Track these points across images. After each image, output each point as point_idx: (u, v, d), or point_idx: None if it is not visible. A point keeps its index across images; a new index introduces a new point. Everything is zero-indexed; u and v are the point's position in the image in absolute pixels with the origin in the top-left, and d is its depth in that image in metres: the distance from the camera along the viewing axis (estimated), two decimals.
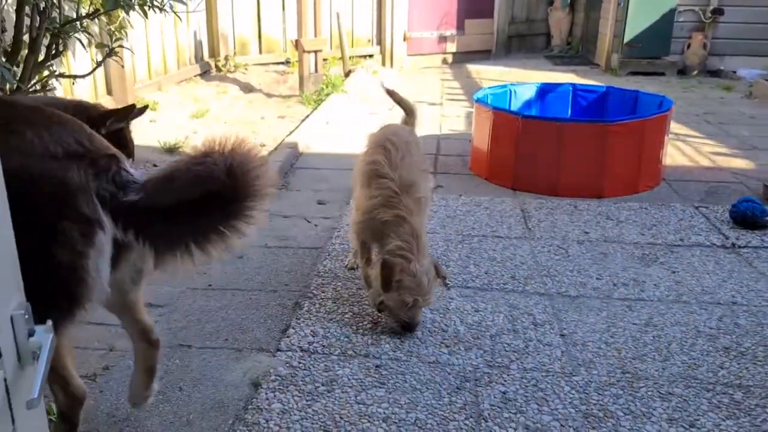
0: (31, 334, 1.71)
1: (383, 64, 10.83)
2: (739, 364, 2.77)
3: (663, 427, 2.36)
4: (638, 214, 4.51)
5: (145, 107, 2.73)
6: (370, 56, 10.75)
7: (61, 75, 3.76)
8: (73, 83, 4.74)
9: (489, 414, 2.42)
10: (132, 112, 2.61)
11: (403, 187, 3.03)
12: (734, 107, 8.18)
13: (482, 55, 12.07)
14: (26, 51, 3.38)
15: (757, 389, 2.59)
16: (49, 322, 1.85)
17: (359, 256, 3.27)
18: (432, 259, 3.03)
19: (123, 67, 5.45)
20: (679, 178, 5.33)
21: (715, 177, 5.38)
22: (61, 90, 4.78)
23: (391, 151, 3.15)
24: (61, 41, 3.52)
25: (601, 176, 4.82)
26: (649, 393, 2.56)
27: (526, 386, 2.59)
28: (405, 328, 2.95)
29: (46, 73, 3.70)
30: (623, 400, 2.51)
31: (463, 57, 11.75)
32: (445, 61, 11.70)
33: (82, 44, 3.66)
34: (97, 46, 3.83)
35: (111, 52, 3.68)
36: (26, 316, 1.54)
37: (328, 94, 7.94)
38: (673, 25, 10.30)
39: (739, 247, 3.98)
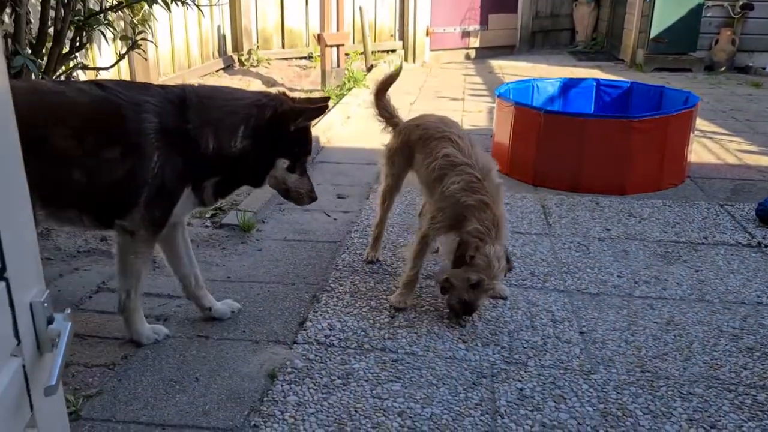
0: (50, 321, 1.72)
1: (405, 59, 10.80)
2: (762, 365, 2.71)
3: (683, 427, 2.32)
4: (661, 211, 4.44)
5: (327, 98, 2.74)
6: (393, 51, 10.73)
7: (85, 67, 3.80)
8: (97, 75, 4.79)
9: (505, 411, 2.40)
10: (324, 111, 2.66)
11: (483, 173, 3.01)
12: (762, 104, 8.03)
13: (505, 50, 11.98)
14: (51, 43, 3.43)
15: None
16: (68, 310, 1.87)
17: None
18: (505, 247, 3.00)
19: (146, 59, 5.49)
20: (705, 175, 5.24)
21: (741, 175, 5.28)
22: None
23: (458, 141, 3.13)
24: (85, 34, 3.56)
25: (624, 173, 4.76)
26: (670, 392, 2.52)
27: (544, 383, 2.57)
28: (465, 308, 2.93)
29: (70, 65, 3.74)
30: (643, 399, 2.48)
31: (486, 52, 11.68)
32: (467, 57, 11.64)
33: (105, 37, 3.70)
34: (121, 39, 3.87)
35: (134, 45, 3.71)
36: (45, 304, 1.56)
37: (350, 89, 7.94)
38: (700, 21, 10.13)
39: (765, 246, 3.90)
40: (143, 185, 2.43)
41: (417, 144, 3.29)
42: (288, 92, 2.71)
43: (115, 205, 2.49)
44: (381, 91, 3.55)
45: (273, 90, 2.80)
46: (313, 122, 2.76)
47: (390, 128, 3.55)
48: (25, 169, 2.27)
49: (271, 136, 2.54)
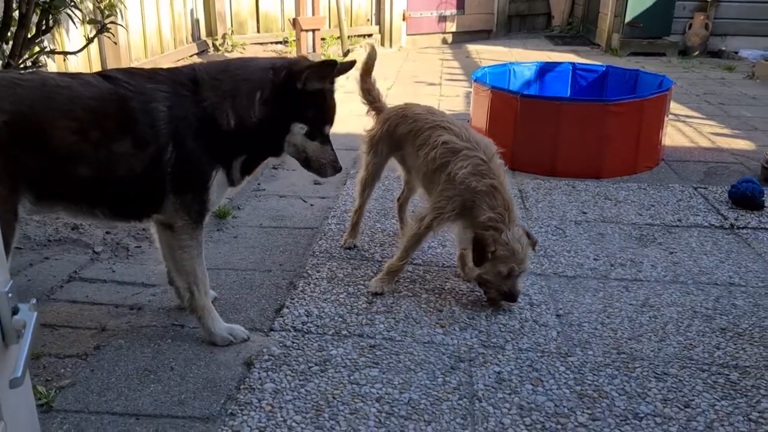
0: (15, 312, 1.68)
1: (382, 43, 10.73)
2: (735, 344, 2.75)
3: (658, 407, 2.35)
4: (637, 194, 4.48)
5: (354, 61, 2.57)
6: (369, 35, 10.65)
7: (53, 51, 3.70)
8: (65, 60, 4.68)
9: (483, 394, 2.40)
10: (333, 70, 2.49)
11: (488, 155, 3.00)
12: (735, 88, 8.12)
13: (482, 35, 11.96)
14: (15, 27, 3.33)
15: (753, 369, 2.57)
16: (33, 300, 1.82)
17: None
18: (522, 226, 3.01)
19: (116, 44, 5.38)
20: (679, 158, 5.29)
21: (714, 158, 5.34)
22: (54, 67, 4.72)
23: (451, 128, 3.11)
24: (51, 17, 3.46)
25: (600, 156, 4.78)
26: (645, 373, 2.54)
27: (521, 366, 2.58)
28: (506, 298, 2.94)
29: (36, 49, 3.65)
30: (618, 380, 2.50)
31: (463, 37, 11.65)
32: (444, 41, 11.60)
33: (73, 21, 3.60)
34: (89, 23, 3.77)
35: (103, 29, 3.62)
36: (9, 294, 1.51)
37: None
38: (674, 5, 10.20)
39: (738, 227, 3.95)
40: (163, 176, 2.36)
41: (407, 136, 3.24)
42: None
43: (136, 199, 2.43)
44: (365, 73, 3.49)
45: None
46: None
47: (373, 112, 3.50)
48: (32, 163, 2.23)
49: (284, 98, 2.43)
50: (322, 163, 2.64)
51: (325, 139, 2.61)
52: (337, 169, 2.67)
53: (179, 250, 2.52)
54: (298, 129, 2.51)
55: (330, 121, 2.60)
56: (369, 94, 3.48)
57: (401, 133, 3.27)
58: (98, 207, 2.44)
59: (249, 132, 2.43)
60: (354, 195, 3.72)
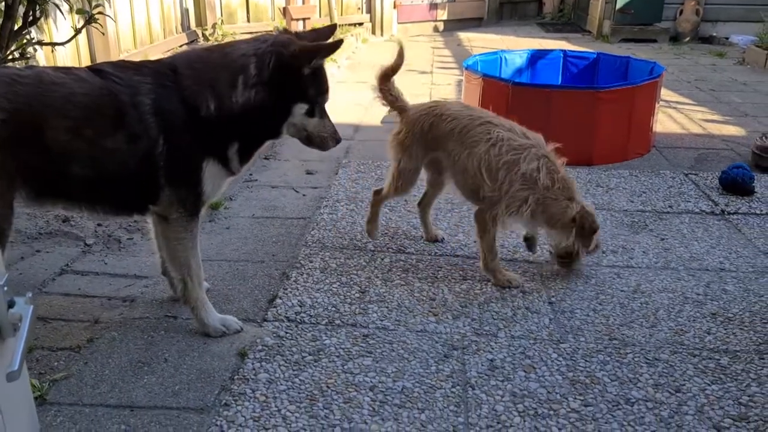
0: (10, 305, 1.67)
1: (373, 32, 10.69)
2: (726, 329, 2.77)
3: (649, 392, 2.37)
4: (628, 181, 4.49)
5: (341, 41, 2.54)
6: (360, 24, 10.60)
7: (40, 42, 3.67)
8: (53, 51, 4.64)
9: (476, 382, 2.42)
10: (340, 47, 2.48)
11: (546, 150, 3.11)
12: (726, 74, 8.14)
13: (473, 22, 11.93)
14: (2, 18, 3.30)
15: (744, 354, 2.60)
16: (29, 293, 1.82)
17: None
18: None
19: (104, 34, 5.33)
20: (670, 145, 5.30)
21: (705, 144, 5.36)
22: (42, 58, 4.68)
23: (502, 123, 3.14)
24: (38, 8, 3.43)
25: (591, 143, 4.79)
26: (636, 359, 2.56)
27: (514, 354, 2.59)
28: (592, 253, 3.22)
29: (24, 41, 3.61)
30: (610, 366, 2.52)
31: (454, 25, 11.61)
32: (435, 29, 11.56)
33: (61, 11, 3.57)
34: (77, 12, 3.73)
35: (90, 19, 3.58)
36: (5, 288, 1.51)
37: None
38: None
39: (728, 213, 3.97)
40: (157, 170, 2.34)
41: (448, 135, 3.15)
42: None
43: (134, 194, 2.42)
44: (387, 76, 3.39)
45: None
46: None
47: (395, 112, 3.42)
48: (31, 161, 2.21)
49: (282, 82, 2.40)
50: (324, 137, 2.63)
51: (323, 113, 2.60)
52: (337, 140, 2.67)
53: (174, 241, 2.52)
54: (299, 110, 2.50)
55: (327, 94, 2.57)
56: (390, 94, 3.39)
57: (440, 132, 3.18)
58: (99, 203, 2.43)
59: (235, 116, 2.39)
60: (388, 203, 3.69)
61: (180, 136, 2.35)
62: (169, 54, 7.72)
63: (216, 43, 8.63)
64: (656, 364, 2.53)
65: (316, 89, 2.49)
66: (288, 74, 2.39)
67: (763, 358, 2.57)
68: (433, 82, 7.55)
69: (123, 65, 2.38)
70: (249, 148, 2.57)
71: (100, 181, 2.33)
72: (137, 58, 2.68)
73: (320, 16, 9.65)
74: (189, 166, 2.40)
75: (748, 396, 2.35)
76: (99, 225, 3.61)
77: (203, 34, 8.71)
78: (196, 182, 2.43)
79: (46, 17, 4.24)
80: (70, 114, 2.20)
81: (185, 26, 8.42)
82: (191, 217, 2.50)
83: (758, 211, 4.00)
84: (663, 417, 2.24)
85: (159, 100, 2.31)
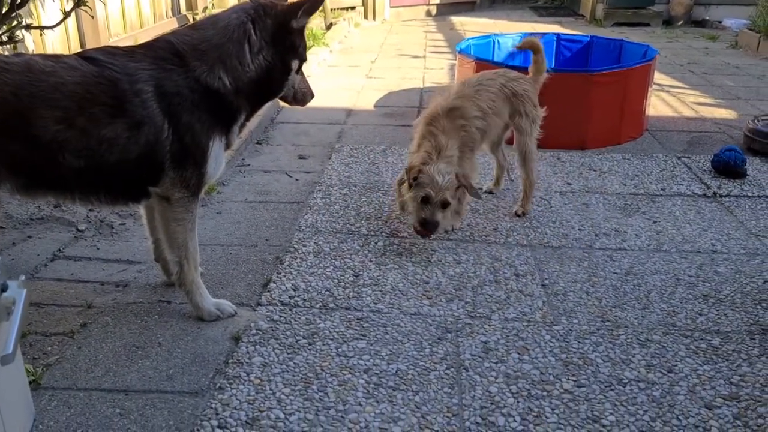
0: (3, 289, 1.67)
1: (365, 16, 10.62)
2: (717, 310, 2.79)
3: (641, 373, 2.38)
4: (621, 164, 4.50)
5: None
6: (352, 8, 10.53)
7: (29, 26, 3.62)
8: (42, 34, 4.59)
9: (470, 364, 2.43)
10: (321, 4, 2.51)
11: (445, 111, 3.34)
12: (719, 57, 8.14)
13: (466, 6, 11.87)
14: None
15: (735, 335, 2.62)
16: (22, 277, 1.81)
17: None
18: (460, 170, 3.25)
19: (93, 17, 5.27)
20: (663, 128, 5.31)
21: (697, 127, 5.37)
22: (31, 42, 4.63)
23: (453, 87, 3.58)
24: None
25: (584, 127, 4.79)
26: (629, 340, 2.58)
27: (507, 336, 2.60)
28: (423, 225, 3.18)
29: (13, 24, 3.56)
30: (603, 347, 2.53)
31: (447, 9, 11.55)
32: (428, 13, 11.50)
33: None
34: None
35: (79, 2, 3.53)
36: None
37: (309, 48, 7.78)
38: None
39: (720, 196, 3.99)
40: (163, 156, 2.33)
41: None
42: None
43: (134, 183, 2.40)
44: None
45: None
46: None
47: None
48: (16, 153, 2.18)
49: (282, 40, 2.43)
50: (305, 92, 2.70)
51: (300, 69, 2.63)
52: (312, 95, 2.75)
53: (173, 222, 2.50)
54: (294, 66, 2.54)
55: (306, 49, 2.64)
56: None
57: None
58: (94, 193, 2.40)
59: (249, 84, 2.42)
60: None
61: (189, 119, 2.33)
62: None
63: None
64: (648, 345, 2.55)
65: (303, 46, 2.55)
66: (285, 32, 2.44)
67: (753, 339, 2.59)
68: (426, 66, 7.51)
69: (113, 51, 2.34)
70: (251, 115, 2.59)
71: (97, 170, 2.29)
72: (127, 43, 2.66)
73: None
74: (197, 148, 2.38)
75: (739, 376, 2.37)
76: (91, 210, 3.59)
77: (194, 19, 8.63)
78: (202, 162, 2.42)
79: (34, 0, 4.18)
80: (61, 104, 2.16)
81: (175, 11, 8.33)
82: (193, 197, 2.48)
83: (750, 194, 4.02)
84: (655, 397, 2.26)
85: (162, 86, 2.28)
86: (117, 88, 2.23)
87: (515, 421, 2.15)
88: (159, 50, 2.35)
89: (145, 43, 2.43)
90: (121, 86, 2.23)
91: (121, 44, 6.78)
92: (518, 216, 3.66)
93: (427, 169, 3.14)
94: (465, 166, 3.36)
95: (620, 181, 4.21)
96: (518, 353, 2.49)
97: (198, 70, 2.33)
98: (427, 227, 3.18)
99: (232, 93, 2.40)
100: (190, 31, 2.46)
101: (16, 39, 3.54)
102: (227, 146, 2.53)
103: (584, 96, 4.72)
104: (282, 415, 2.14)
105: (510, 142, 3.91)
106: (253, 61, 2.40)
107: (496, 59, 5.70)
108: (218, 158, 2.48)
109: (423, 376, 2.36)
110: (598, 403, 2.23)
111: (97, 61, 2.25)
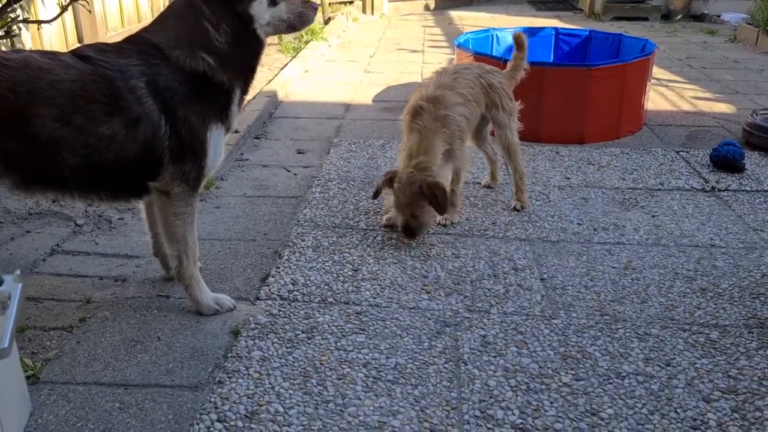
0: None
1: (364, 10, 10.60)
2: (715, 304, 2.80)
3: (640, 366, 2.39)
4: (619, 159, 4.50)
5: None
6: (350, 2, 10.51)
7: (26, 21, 3.61)
8: (39, 28, 4.58)
9: (469, 358, 2.43)
10: None
11: (426, 102, 3.33)
12: (717, 52, 8.13)
13: (464, 1, 11.84)
14: None
15: (733, 328, 2.62)
16: (18, 271, 1.81)
17: None
18: (431, 177, 3.17)
19: (90, 12, 5.26)
20: (661, 122, 5.31)
21: (696, 121, 5.37)
22: (28, 36, 4.61)
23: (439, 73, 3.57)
24: None
25: (583, 122, 4.78)
26: (627, 334, 2.58)
27: (506, 330, 2.61)
28: (403, 230, 3.30)
29: (10, 17, 3.55)
30: (601, 341, 2.54)
31: (445, 3, 11.53)
32: (427, 8, 11.48)
33: None
34: None
35: None
36: None
37: (307, 42, 7.76)
38: None
39: (719, 190, 3.99)
40: (162, 149, 2.32)
41: None
42: None
43: (134, 180, 2.40)
44: None
45: None
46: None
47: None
48: (14, 150, 2.18)
49: None
50: (301, 12, 2.56)
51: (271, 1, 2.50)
52: (314, 6, 2.61)
53: (173, 216, 2.49)
54: (258, 7, 2.43)
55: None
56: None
57: None
58: (93, 191, 2.40)
59: (231, 54, 2.39)
60: None
61: (184, 112, 2.33)
62: None
63: None
64: (647, 338, 2.56)
65: None
66: None
67: (751, 332, 2.60)
68: (425, 60, 7.50)
69: (104, 48, 2.34)
70: (249, 82, 2.56)
71: (96, 168, 2.29)
72: (124, 36, 2.63)
73: None
74: (195, 141, 2.38)
75: (737, 369, 2.38)
76: (89, 205, 3.59)
77: None
78: (201, 155, 2.41)
79: None
80: (58, 101, 2.16)
81: None
82: (192, 191, 2.48)
83: (748, 188, 4.02)
84: (653, 390, 2.26)
85: (154, 81, 2.28)
86: (112, 86, 2.23)
87: (514, 414, 2.15)
88: (141, 45, 2.35)
89: (125, 39, 2.41)
90: (116, 84, 2.23)
91: (119, 39, 6.76)
92: (516, 211, 3.67)
93: (396, 182, 3.22)
94: (456, 158, 3.38)
95: (619, 176, 4.21)
96: (517, 347, 2.50)
97: (181, 59, 2.32)
98: (405, 233, 3.28)
99: (219, 70, 2.38)
100: (154, 26, 2.45)
101: (13, 33, 3.53)
102: (227, 130, 2.51)
103: (583, 90, 4.72)
104: (281, 409, 2.15)
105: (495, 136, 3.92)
106: (218, 30, 2.36)
107: (494, 53, 5.69)
108: (217, 148, 2.48)
109: (422, 369, 2.36)
110: (597, 396, 2.24)
111: (91, 59, 2.25)
